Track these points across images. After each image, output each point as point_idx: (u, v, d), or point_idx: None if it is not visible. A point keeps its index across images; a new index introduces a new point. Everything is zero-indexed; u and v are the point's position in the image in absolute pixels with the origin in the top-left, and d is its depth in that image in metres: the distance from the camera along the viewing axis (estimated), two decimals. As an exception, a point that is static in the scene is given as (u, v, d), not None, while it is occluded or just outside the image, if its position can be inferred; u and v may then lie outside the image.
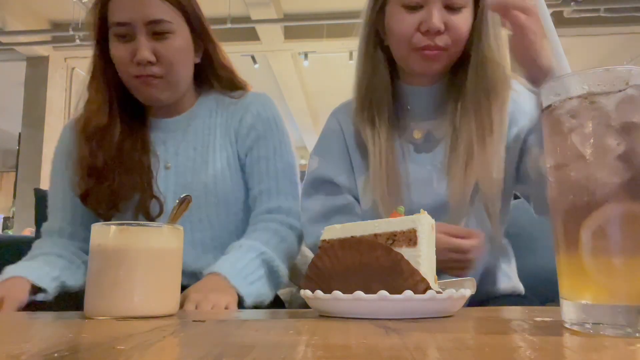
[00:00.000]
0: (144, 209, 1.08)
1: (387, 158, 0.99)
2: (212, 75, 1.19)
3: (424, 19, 0.92)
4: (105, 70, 1.09)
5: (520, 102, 1.01)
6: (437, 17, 0.91)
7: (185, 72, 1.10)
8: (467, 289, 0.60)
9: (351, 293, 0.56)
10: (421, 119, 1.04)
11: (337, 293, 0.57)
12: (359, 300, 0.56)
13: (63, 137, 1.19)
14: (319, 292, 0.60)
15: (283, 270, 1.02)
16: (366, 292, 0.55)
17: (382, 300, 0.55)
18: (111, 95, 1.10)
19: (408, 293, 0.54)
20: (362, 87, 1.04)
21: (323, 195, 1.06)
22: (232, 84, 1.21)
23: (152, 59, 1.03)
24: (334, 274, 0.62)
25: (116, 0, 1.04)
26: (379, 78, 1.03)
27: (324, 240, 0.67)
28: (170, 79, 1.07)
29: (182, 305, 0.82)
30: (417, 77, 1.03)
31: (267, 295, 0.98)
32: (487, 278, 1.03)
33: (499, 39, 0.98)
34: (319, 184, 1.07)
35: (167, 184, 1.12)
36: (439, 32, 0.93)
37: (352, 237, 0.64)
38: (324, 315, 0.61)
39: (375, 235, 0.63)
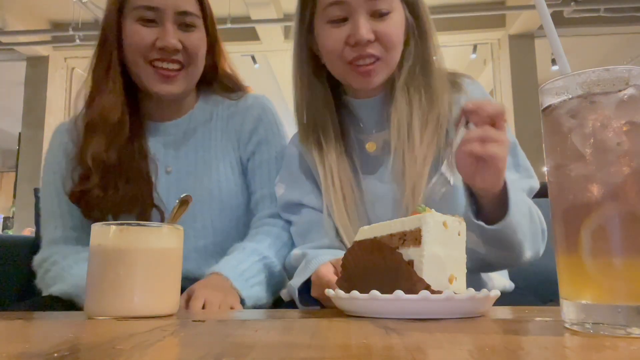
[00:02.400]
0: (145, 218, 1.04)
1: (340, 178, 0.95)
2: (214, 80, 1.18)
3: (351, 32, 0.89)
4: (120, 60, 1.05)
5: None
6: (363, 27, 0.88)
7: (201, 68, 1.09)
8: (471, 289, 0.59)
9: (367, 293, 0.56)
10: (376, 131, 1.00)
11: (339, 292, 0.59)
12: (356, 299, 0.57)
13: (55, 141, 1.14)
14: (330, 291, 0.62)
15: (283, 276, 1.02)
16: (381, 292, 0.56)
17: (376, 300, 0.55)
18: (123, 89, 1.06)
19: (399, 293, 0.54)
20: (302, 110, 1.02)
21: (294, 219, 1.04)
22: (232, 90, 1.20)
23: (179, 46, 1.02)
24: (357, 274, 0.63)
25: None
26: (319, 98, 1.00)
27: (355, 242, 0.68)
28: (190, 70, 1.06)
29: (187, 302, 0.82)
30: (363, 90, 0.99)
31: (266, 299, 0.98)
32: (472, 278, 0.99)
33: (432, 38, 0.95)
34: (289, 207, 1.04)
35: (168, 189, 1.09)
36: (369, 42, 0.89)
37: (374, 237, 0.65)
38: (326, 316, 0.61)
39: (391, 235, 0.63)
